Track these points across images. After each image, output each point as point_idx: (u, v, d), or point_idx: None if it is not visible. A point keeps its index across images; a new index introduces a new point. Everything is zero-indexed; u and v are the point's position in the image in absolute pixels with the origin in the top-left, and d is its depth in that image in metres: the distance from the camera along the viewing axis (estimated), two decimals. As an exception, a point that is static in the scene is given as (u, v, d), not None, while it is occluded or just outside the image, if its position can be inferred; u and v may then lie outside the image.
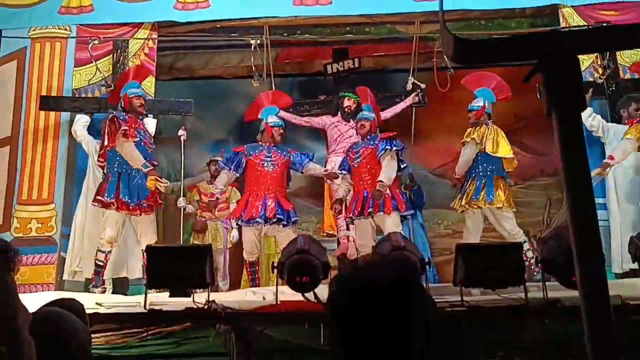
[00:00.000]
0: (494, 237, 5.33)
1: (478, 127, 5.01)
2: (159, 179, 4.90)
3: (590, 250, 0.92)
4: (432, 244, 6.56)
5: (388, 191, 4.88)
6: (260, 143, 5.30)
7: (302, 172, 5.41)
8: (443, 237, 6.99)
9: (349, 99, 5.80)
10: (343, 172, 5.22)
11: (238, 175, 5.28)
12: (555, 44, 0.92)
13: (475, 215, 5.00)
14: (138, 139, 4.92)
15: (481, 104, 5.12)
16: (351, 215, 5.08)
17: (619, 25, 4.24)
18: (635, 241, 3.73)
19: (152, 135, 5.34)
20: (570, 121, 0.95)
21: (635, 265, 4.05)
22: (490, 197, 4.83)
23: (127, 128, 4.84)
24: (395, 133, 5.25)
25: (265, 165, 5.13)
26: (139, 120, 5.08)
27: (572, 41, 0.93)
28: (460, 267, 3.25)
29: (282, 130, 5.32)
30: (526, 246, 4.48)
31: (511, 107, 6.50)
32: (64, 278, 5.34)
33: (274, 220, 4.99)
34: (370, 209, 4.88)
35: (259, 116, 5.46)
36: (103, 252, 4.86)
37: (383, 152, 4.97)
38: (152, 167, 4.87)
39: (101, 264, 4.86)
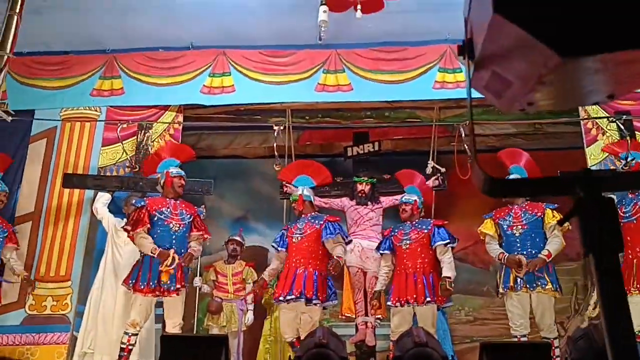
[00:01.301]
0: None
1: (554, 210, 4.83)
2: (168, 264, 4.72)
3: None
4: (452, 331, 6.35)
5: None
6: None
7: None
8: (464, 324, 6.77)
9: (361, 184, 5.79)
10: (386, 251, 5.11)
11: (285, 251, 5.14)
12: (590, 187, 0.91)
13: (524, 298, 4.77)
14: (156, 219, 4.90)
15: None
16: (397, 304, 4.88)
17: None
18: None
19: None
20: (607, 264, 0.93)
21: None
22: (556, 285, 4.72)
23: (138, 216, 4.85)
24: (446, 222, 5.15)
25: (294, 237, 5.07)
26: (167, 200, 5.03)
27: (606, 184, 0.92)
28: (486, 366, 3.10)
29: (293, 205, 5.30)
30: (556, 342, 4.32)
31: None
32: (73, 359, 5.23)
33: (305, 298, 4.80)
34: (415, 298, 4.79)
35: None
36: (127, 334, 4.74)
37: (441, 245, 4.89)
38: (160, 251, 4.73)
39: (123, 346, 4.72)
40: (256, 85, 6.02)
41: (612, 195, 0.94)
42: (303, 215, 5.19)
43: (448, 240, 4.90)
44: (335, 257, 4.86)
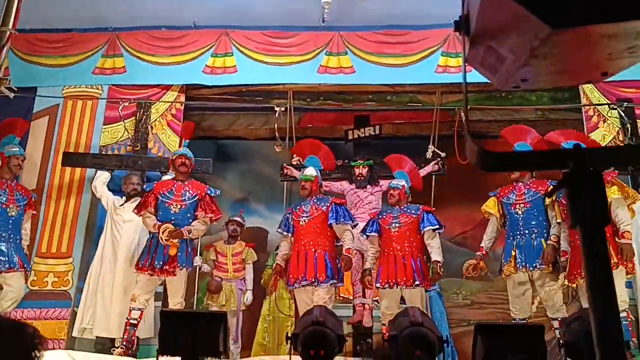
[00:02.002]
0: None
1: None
2: (170, 237, 4.74)
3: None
4: (449, 314, 6.41)
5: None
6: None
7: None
8: (461, 307, 6.83)
9: (358, 167, 5.80)
10: (373, 233, 5.09)
11: (291, 236, 5.08)
12: (580, 161, 0.93)
13: (524, 281, 4.72)
14: (159, 201, 4.93)
15: None
16: (386, 285, 4.88)
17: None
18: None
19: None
20: (594, 236, 0.95)
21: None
22: (556, 265, 4.66)
23: (145, 199, 4.94)
24: (434, 209, 5.16)
25: (300, 220, 4.99)
26: (174, 181, 5.05)
27: (596, 159, 0.94)
28: (479, 347, 3.14)
29: (304, 184, 5.14)
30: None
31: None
32: (73, 335, 5.29)
33: (317, 281, 4.76)
34: (405, 280, 4.79)
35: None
36: (130, 309, 4.81)
37: (430, 230, 4.91)
38: (158, 225, 4.77)
39: (125, 321, 4.80)
40: (258, 66, 6.02)
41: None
42: (308, 198, 5.13)
43: (437, 226, 4.93)
44: (344, 253, 4.85)
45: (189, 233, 4.87)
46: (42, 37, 6.21)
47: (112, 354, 4.74)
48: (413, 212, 5.03)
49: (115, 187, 5.68)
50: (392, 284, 4.85)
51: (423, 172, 5.94)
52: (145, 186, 5.27)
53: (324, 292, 4.80)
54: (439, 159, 5.97)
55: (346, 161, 6.26)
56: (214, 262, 6.05)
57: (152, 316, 5.16)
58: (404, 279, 4.82)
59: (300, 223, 5.01)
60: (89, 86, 6.14)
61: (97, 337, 5.20)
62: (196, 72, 6.06)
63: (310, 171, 5.23)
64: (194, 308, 5.86)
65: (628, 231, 4.30)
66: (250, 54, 6.05)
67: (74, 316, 5.37)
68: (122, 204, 5.45)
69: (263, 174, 7.36)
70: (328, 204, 5.03)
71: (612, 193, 4.43)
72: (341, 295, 6.05)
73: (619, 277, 4.34)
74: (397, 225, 4.99)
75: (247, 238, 6.30)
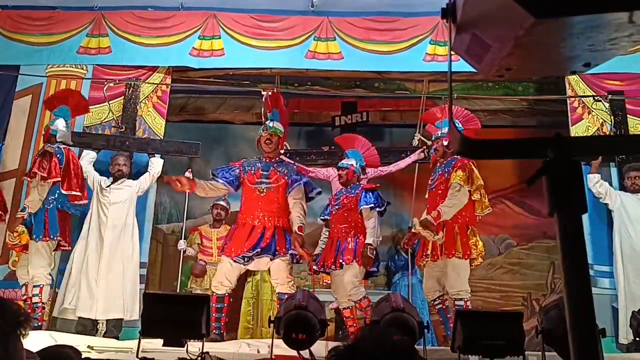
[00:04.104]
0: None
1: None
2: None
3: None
4: (430, 301, 6.48)
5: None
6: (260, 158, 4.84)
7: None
8: (442, 295, 6.90)
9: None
10: (325, 217, 5.06)
11: (233, 190, 4.82)
12: (560, 150, 0.94)
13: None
14: None
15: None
16: (328, 269, 4.76)
17: (620, 135, 4.39)
18: (637, 316, 3.67)
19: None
20: (571, 223, 0.97)
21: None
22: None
23: None
24: (378, 185, 5.00)
25: (259, 189, 4.65)
26: None
27: (576, 148, 0.96)
28: (459, 332, 3.20)
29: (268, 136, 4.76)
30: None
31: (515, 167, 6.56)
32: (53, 315, 5.26)
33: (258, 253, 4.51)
34: (341, 261, 4.61)
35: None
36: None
37: (367, 208, 4.65)
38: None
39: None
40: (246, 49, 5.97)
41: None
42: (266, 159, 4.78)
43: (373, 204, 4.65)
44: (295, 231, 4.52)
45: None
46: (25, 15, 6.09)
47: (94, 335, 4.74)
48: (353, 191, 4.84)
49: (100, 167, 5.62)
50: (326, 266, 4.75)
51: (408, 160, 5.97)
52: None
53: (280, 266, 4.60)
54: (424, 148, 5.99)
55: (332, 147, 6.27)
56: (199, 245, 6.05)
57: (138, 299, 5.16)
58: (332, 260, 4.65)
59: (259, 192, 4.64)
60: (73, 65, 6.04)
61: (79, 318, 5.18)
62: (183, 54, 6.00)
63: (278, 125, 4.81)
64: (178, 291, 5.87)
65: (439, 211, 4.37)
66: (238, 37, 6.00)
67: (55, 297, 5.33)
68: (109, 185, 5.40)
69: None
70: (292, 172, 4.74)
71: (457, 177, 4.47)
72: (325, 281, 6.08)
73: (462, 267, 4.46)
74: (337, 207, 4.88)
75: (232, 222, 6.28)
